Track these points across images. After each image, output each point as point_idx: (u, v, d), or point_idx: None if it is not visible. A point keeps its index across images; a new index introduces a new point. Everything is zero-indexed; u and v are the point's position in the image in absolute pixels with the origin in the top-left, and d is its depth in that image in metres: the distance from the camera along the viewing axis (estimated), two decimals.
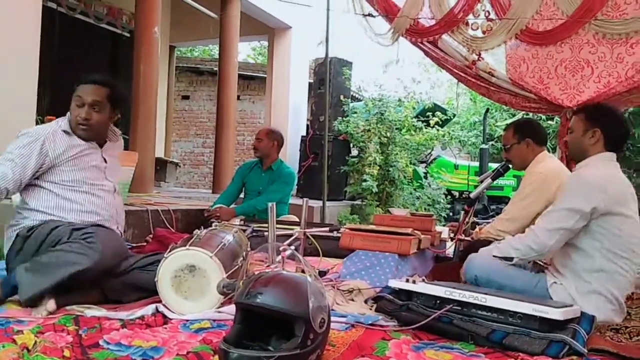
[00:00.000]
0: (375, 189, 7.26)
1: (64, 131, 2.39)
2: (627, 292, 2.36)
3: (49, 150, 2.30)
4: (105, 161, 2.51)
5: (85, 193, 2.37)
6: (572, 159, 2.60)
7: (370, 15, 4.53)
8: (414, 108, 8.37)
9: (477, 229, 3.17)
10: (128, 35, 7.64)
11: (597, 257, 2.22)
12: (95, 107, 2.39)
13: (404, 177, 7.68)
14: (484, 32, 4.18)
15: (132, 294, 2.30)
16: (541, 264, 2.53)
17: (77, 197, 2.34)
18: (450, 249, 3.40)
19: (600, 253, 2.22)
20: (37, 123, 4.13)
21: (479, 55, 4.26)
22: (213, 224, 3.11)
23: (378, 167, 7.38)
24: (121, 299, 2.28)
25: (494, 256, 2.45)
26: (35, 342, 1.67)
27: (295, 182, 4.74)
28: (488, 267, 2.43)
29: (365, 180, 7.26)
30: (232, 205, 4.51)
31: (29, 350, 1.60)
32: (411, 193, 7.95)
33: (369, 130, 7.55)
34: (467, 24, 4.22)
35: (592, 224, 2.21)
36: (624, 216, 2.22)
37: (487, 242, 2.78)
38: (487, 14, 4.18)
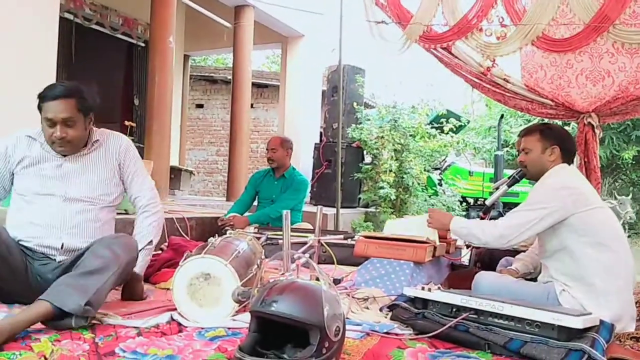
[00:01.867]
0: (393, 196, 7.22)
1: (28, 136, 2.36)
2: (634, 282, 2.39)
3: (10, 155, 2.32)
4: (72, 168, 2.33)
5: (28, 202, 2.29)
6: (530, 178, 2.64)
7: (383, 22, 4.53)
8: (427, 115, 8.34)
9: None
10: (143, 45, 7.74)
11: (591, 254, 2.26)
12: (69, 123, 2.24)
13: (418, 184, 7.64)
14: (498, 38, 4.16)
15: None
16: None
17: (22, 205, 2.30)
18: (465, 256, 3.37)
19: (592, 248, 2.26)
20: None
21: (494, 61, 4.24)
22: (227, 232, 3.12)
23: (393, 174, 7.35)
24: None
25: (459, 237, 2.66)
26: (52, 350, 1.68)
27: (308, 189, 4.74)
28: (497, 284, 2.43)
29: (382, 188, 7.23)
30: (246, 213, 4.52)
31: (46, 359, 1.62)
32: (426, 200, 7.91)
33: (382, 137, 7.54)
34: (481, 29, 4.20)
35: (573, 222, 2.28)
36: (599, 207, 2.35)
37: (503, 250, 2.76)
38: (501, 20, 4.15)
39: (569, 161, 2.55)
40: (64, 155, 2.34)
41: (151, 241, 2.49)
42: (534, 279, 2.61)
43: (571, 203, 2.29)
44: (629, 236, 7.91)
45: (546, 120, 6.42)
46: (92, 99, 2.35)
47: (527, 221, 2.33)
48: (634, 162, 10.83)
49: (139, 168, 2.53)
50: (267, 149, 4.54)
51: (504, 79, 4.22)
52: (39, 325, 1.89)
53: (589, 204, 2.32)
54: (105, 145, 2.45)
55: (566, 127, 9.09)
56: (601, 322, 2.00)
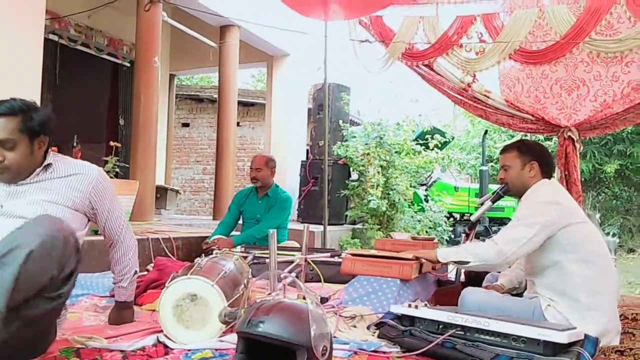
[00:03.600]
0: (383, 207, 7.23)
1: None
2: (618, 297, 2.43)
3: None
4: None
5: None
6: (513, 195, 2.68)
7: (367, 41, 4.60)
8: (413, 131, 8.41)
9: None
10: (129, 65, 7.74)
11: (577, 269, 2.28)
12: (7, 145, 1.93)
13: (405, 200, 7.68)
14: (477, 54, 4.25)
15: None
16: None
17: None
18: (452, 272, 3.38)
19: (578, 264, 2.29)
20: None
21: (474, 76, 4.32)
22: (214, 252, 3.10)
23: (381, 188, 7.38)
24: None
25: (449, 260, 2.55)
26: None
27: (292, 206, 4.72)
28: (484, 300, 2.44)
29: (371, 201, 7.24)
30: (233, 232, 4.50)
31: None
32: (412, 216, 7.94)
33: (368, 154, 7.58)
34: (461, 46, 4.29)
35: (560, 238, 2.32)
36: (583, 222, 2.39)
37: None
38: (480, 36, 4.24)
39: (549, 175, 2.59)
40: (8, 183, 2.02)
41: (136, 271, 2.42)
42: (520, 294, 2.63)
43: (557, 217, 2.32)
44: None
45: (528, 136, 6.54)
46: (43, 120, 2.01)
47: (522, 236, 2.33)
48: (616, 176, 10.98)
49: (114, 205, 2.25)
50: (251, 168, 4.51)
51: (485, 95, 4.30)
52: None
53: (575, 218, 2.36)
54: (70, 177, 2.10)
55: (548, 142, 9.26)
56: (586, 336, 2.02)
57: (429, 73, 4.52)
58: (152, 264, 3.61)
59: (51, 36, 6.51)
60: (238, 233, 4.48)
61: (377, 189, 7.29)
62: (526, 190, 2.53)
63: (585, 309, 2.24)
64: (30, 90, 4.32)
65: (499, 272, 2.85)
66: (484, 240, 2.56)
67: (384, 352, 2.09)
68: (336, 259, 3.50)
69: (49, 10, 5.15)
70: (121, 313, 2.43)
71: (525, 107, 4.20)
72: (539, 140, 8.89)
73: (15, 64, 4.21)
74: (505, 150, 2.68)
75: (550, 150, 2.82)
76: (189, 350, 2.02)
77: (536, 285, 2.43)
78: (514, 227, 2.42)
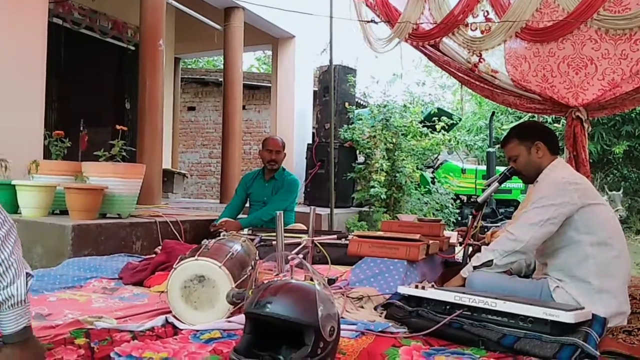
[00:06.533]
0: (383, 195, 7.25)
1: None
2: (628, 279, 2.41)
3: None
4: None
5: None
6: (528, 182, 2.64)
7: (372, 21, 4.55)
8: (421, 112, 8.37)
9: (489, 233, 3.16)
10: (133, 48, 7.71)
11: (592, 252, 2.27)
12: None
13: (411, 182, 7.67)
14: (482, 32, 4.17)
15: None
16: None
17: None
18: (459, 253, 3.38)
19: (593, 247, 2.27)
20: (45, 138, 4.17)
21: (480, 56, 4.26)
22: (221, 234, 3.12)
23: (385, 174, 7.37)
24: None
25: (474, 267, 2.49)
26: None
27: (299, 188, 4.71)
28: (491, 281, 2.42)
29: (373, 187, 7.26)
30: (240, 215, 4.51)
31: None
32: (419, 199, 7.94)
33: (374, 137, 7.56)
34: (466, 25, 4.22)
35: (577, 219, 2.29)
36: (601, 204, 2.36)
37: None
38: (486, 14, 4.16)
39: (556, 151, 2.55)
40: None
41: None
42: (528, 276, 2.63)
43: (577, 197, 2.29)
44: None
45: (535, 117, 6.49)
46: None
47: (540, 219, 2.31)
48: (624, 157, 10.91)
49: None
50: (267, 150, 4.41)
51: (492, 75, 4.24)
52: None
53: (593, 199, 2.34)
54: None
55: (556, 125, 9.18)
56: (594, 316, 2.02)
57: (435, 53, 4.47)
58: (159, 247, 3.64)
59: (55, 20, 6.48)
60: (245, 216, 4.50)
61: (380, 173, 7.28)
62: (540, 173, 2.50)
63: (595, 292, 2.23)
64: (35, 74, 4.32)
65: None
66: (502, 221, 2.55)
67: (391, 333, 2.09)
68: (343, 241, 3.50)
69: None
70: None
71: (532, 86, 4.14)
72: (546, 122, 8.82)
73: (20, 49, 4.20)
74: (505, 142, 2.65)
75: (558, 133, 2.79)
76: (197, 330, 2.04)
77: (548, 266, 2.42)
78: (530, 210, 2.38)
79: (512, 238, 2.38)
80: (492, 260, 2.41)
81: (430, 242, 3.10)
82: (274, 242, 2.95)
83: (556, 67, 4.06)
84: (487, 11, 4.16)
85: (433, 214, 7.91)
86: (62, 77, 6.70)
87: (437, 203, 8.25)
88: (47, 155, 4.22)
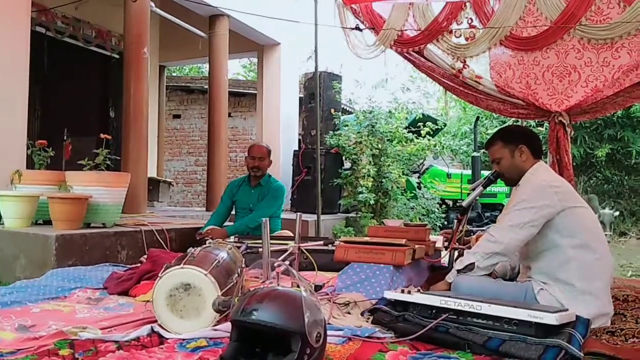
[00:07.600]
0: (372, 201, 7.26)
1: None
2: (611, 281, 2.45)
3: None
4: None
5: None
6: (510, 185, 2.67)
7: (357, 28, 4.58)
8: (406, 119, 8.41)
9: (474, 237, 3.19)
10: (117, 56, 7.67)
11: (573, 255, 2.29)
12: None
13: (397, 187, 7.70)
14: (467, 39, 4.23)
15: None
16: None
17: None
18: (445, 257, 3.40)
19: (574, 250, 2.30)
20: (28, 148, 4.13)
21: (464, 62, 4.31)
22: (207, 242, 3.10)
23: (372, 179, 7.39)
24: None
25: (457, 271, 2.51)
26: None
27: (285, 195, 4.71)
28: (475, 286, 2.43)
29: (360, 193, 7.27)
30: (226, 223, 4.50)
31: None
32: (405, 204, 7.97)
33: (360, 143, 7.58)
34: (450, 32, 4.27)
35: (557, 222, 2.32)
36: (582, 207, 2.39)
37: None
38: (470, 21, 4.22)
39: (539, 155, 2.59)
40: None
41: None
42: (513, 280, 2.65)
43: (558, 200, 2.32)
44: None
45: (519, 121, 6.56)
46: None
47: (520, 221, 2.34)
48: (607, 160, 11.04)
49: None
50: (250, 157, 4.42)
51: (475, 81, 4.29)
52: (13, 347, 1.85)
53: (574, 202, 2.37)
54: None
55: (540, 128, 9.28)
56: (577, 317, 2.04)
57: (420, 60, 4.51)
58: (145, 256, 3.61)
59: (38, 29, 6.43)
60: (232, 223, 4.48)
61: (367, 179, 7.31)
62: (523, 176, 2.53)
63: (579, 294, 2.26)
64: (18, 83, 4.28)
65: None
66: (488, 225, 2.58)
67: (378, 338, 2.10)
68: (329, 247, 3.50)
69: (34, 3, 5.08)
70: None
71: (515, 92, 4.20)
72: (530, 126, 8.92)
73: (2, 57, 4.16)
74: (489, 144, 2.68)
75: (541, 136, 2.82)
76: (184, 339, 2.03)
77: (532, 269, 2.45)
78: (511, 212, 2.41)
79: (492, 240, 2.41)
80: (474, 263, 2.44)
81: (416, 246, 3.12)
82: (260, 250, 2.94)
83: (540, 75, 4.13)
84: (471, 18, 4.22)
85: (419, 218, 7.94)
86: (46, 86, 6.65)
87: (424, 208, 8.29)
88: (30, 164, 4.18)
